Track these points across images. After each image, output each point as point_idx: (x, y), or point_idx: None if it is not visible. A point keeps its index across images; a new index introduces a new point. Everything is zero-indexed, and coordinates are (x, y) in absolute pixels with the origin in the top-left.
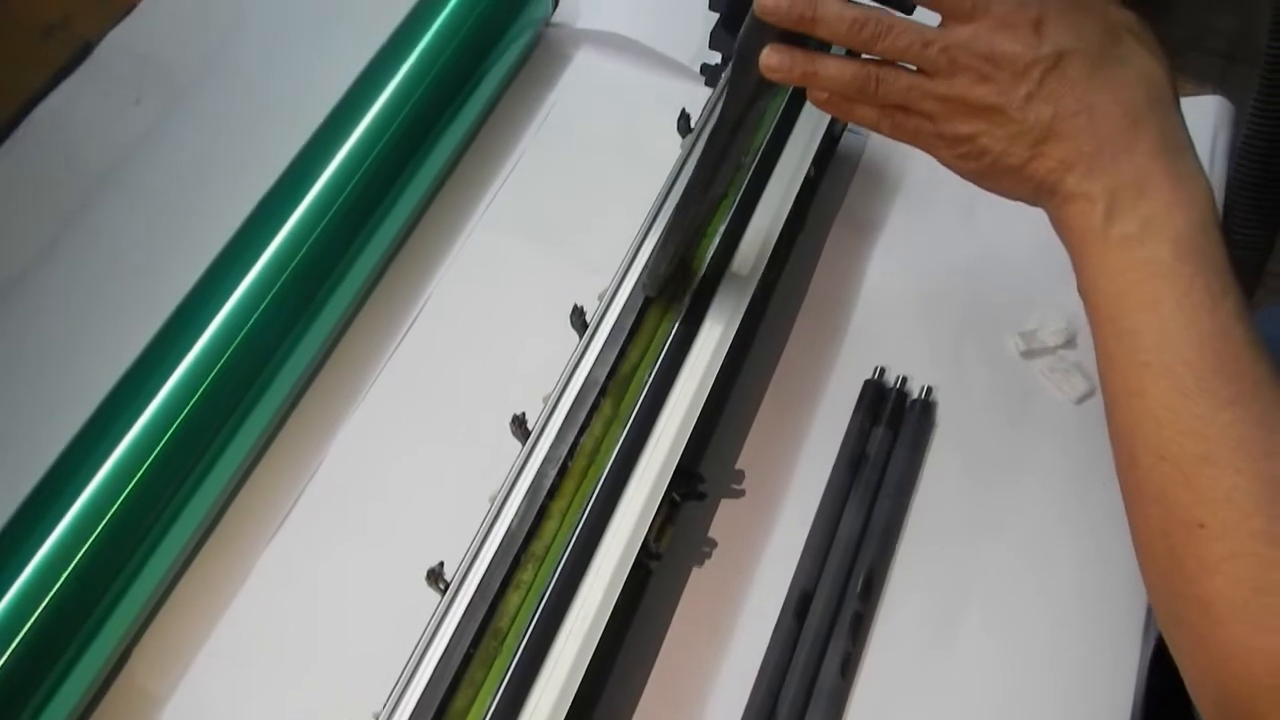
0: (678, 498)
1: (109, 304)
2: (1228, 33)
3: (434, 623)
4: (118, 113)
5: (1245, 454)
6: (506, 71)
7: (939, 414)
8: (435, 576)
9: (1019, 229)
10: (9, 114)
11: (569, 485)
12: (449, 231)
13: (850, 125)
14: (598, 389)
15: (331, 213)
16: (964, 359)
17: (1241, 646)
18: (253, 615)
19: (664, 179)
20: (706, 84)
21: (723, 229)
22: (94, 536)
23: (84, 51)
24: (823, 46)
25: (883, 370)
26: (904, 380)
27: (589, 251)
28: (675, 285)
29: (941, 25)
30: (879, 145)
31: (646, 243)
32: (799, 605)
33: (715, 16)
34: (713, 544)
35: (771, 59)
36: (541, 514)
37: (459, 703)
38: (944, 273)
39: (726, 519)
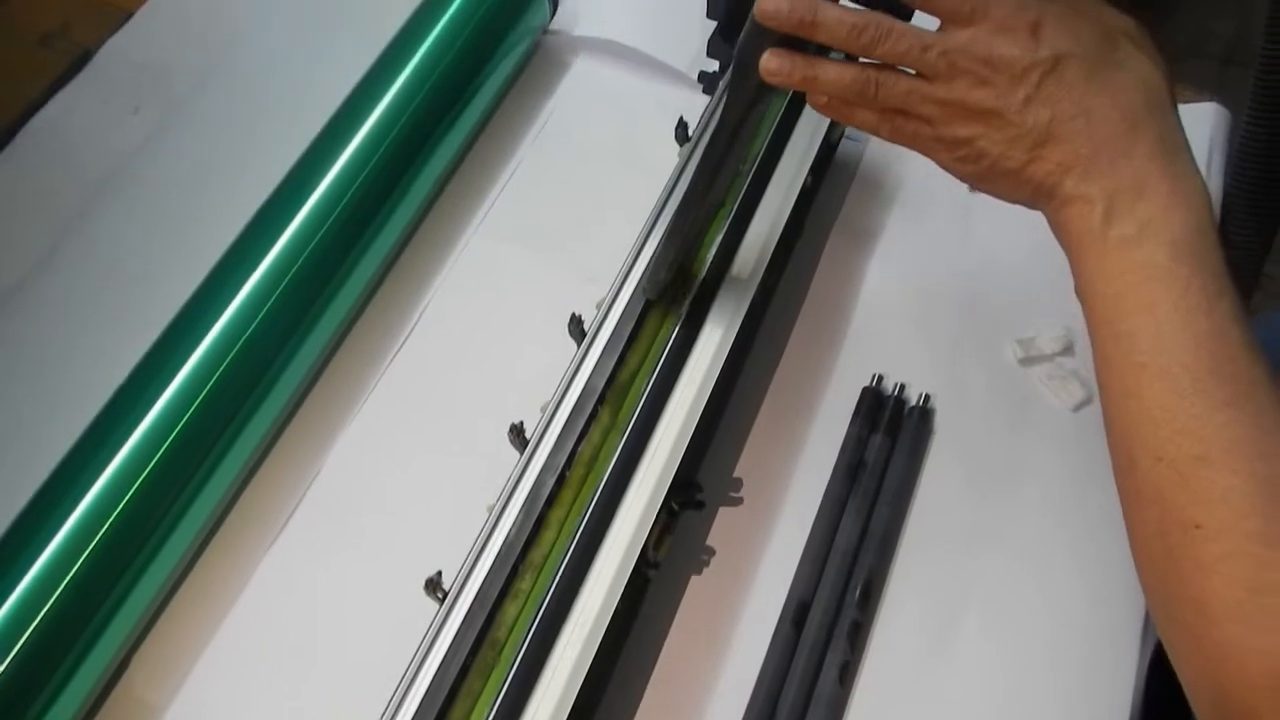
0: (676, 506)
1: (106, 313)
2: (1226, 37)
3: (432, 632)
4: (116, 121)
5: (1241, 455)
6: (504, 79)
7: (937, 421)
8: (433, 586)
9: (1017, 236)
10: (7, 122)
11: (567, 494)
12: (447, 239)
13: (847, 133)
14: (596, 398)
15: (330, 221)
16: (962, 366)
17: (1237, 646)
18: (251, 624)
19: (662, 186)
20: (704, 91)
21: (720, 237)
22: (92, 545)
23: (82, 60)
24: (822, 51)
25: (881, 377)
26: (902, 387)
27: (587, 259)
28: (675, 289)
29: (940, 29)
30: (876, 153)
31: (645, 250)
32: (797, 613)
33: (713, 24)
34: (711, 552)
35: (771, 63)
36: (540, 523)
37: (456, 713)
38: (942, 280)
39: (725, 527)
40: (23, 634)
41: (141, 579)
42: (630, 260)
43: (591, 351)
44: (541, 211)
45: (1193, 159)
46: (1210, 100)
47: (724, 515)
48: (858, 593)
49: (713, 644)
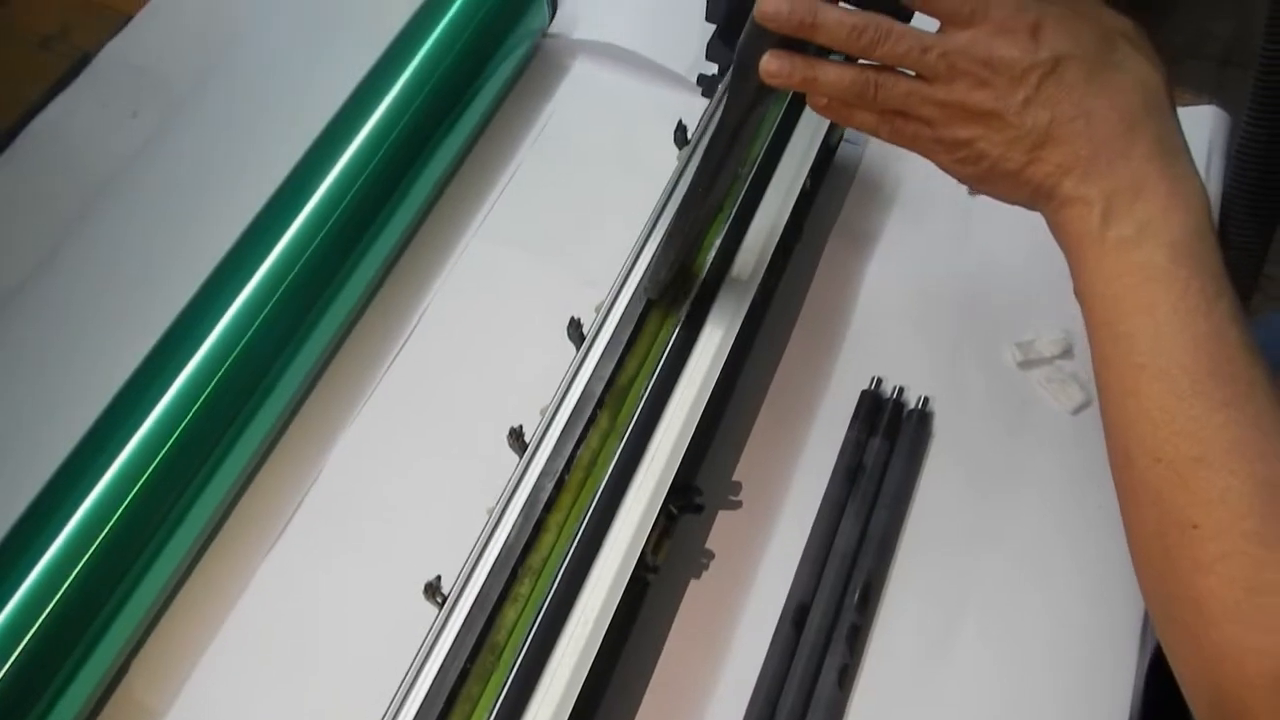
0: (675, 510)
1: (106, 316)
2: (1224, 38)
3: (431, 636)
4: (115, 124)
5: (1239, 456)
6: (504, 82)
7: (936, 424)
8: (432, 590)
9: (1015, 239)
10: (7, 125)
11: (566, 498)
12: (446, 242)
13: (846, 135)
14: (595, 401)
15: (329, 224)
16: (961, 369)
17: (1235, 646)
18: (250, 628)
19: (661, 189)
20: (703, 94)
21: (720, 240)
22: (92, 549)
23: (81, 63)
24: (822, 52)
25: (879, 380)
26: (901, 390)
27: (586, 262)
28: (675, 290)
29: (940, 31)
30: (875, 156)
31: (643, 253)
32: (796, 616)
33: (712, 27)
34: (710, 555)
35: (771, 65)
36: (539, 527)
37: (456, 717)
38: (941, 283)
39: (724, 530)
40: (23, 638)
41: (141, 583)
42: (629, 263)
43: (590, 355)
44: (541, 214)
45: (1191, 160)
46: (1209, 103)
47: (723, 519)
48: (857, 596)
49: (712, 647)
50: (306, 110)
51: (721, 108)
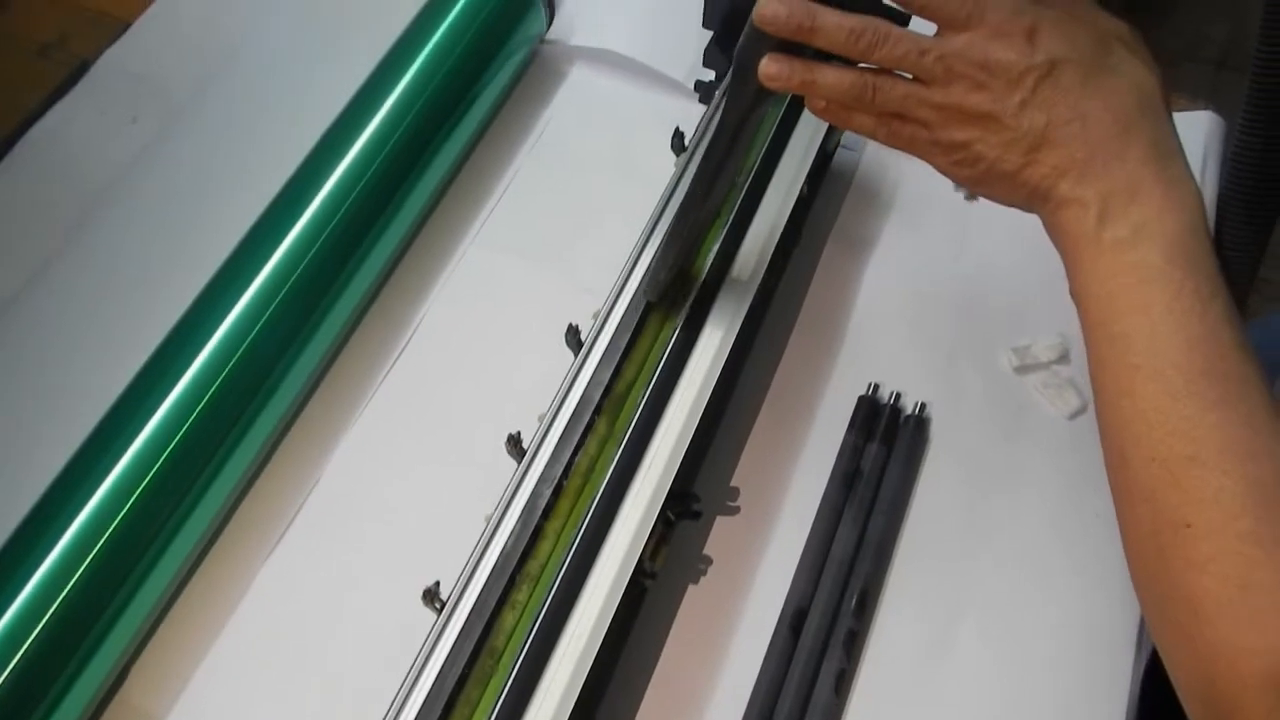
0: (673, 516)
1: (104, 323)
2: (1221, 41)
3: (430, 642)
4: (114, 132)
5: (1232, 455)
6: (501, 88)
7: (933, 429)
8: (431, 596)
9: (1011, 245)
10: (5, 133)
11: (564, 505)
12: (444, 249)
13: (843, 142)
14: (593, 408)
15: (327, 231)
16: (957, 375)
17: (1228, 644)
18: (249, 634)
19: (658, 195)
20: (700, 100)
21: (717, 247)
22: (91, 555)
23: (80, 71)
24: (820, 55)
25: (876, 386)
26: (898, 396)
27: (584, 268)
28: (674, 293)
29: (937, 34)
30: (872, 162)
31: (641, 260)
32: (794, 622)
33: (708, 34)
34: (708, 561)
35: (770, 68)
36: (537, 533)
37: None
38: (937, 289)
39: (721, 536)
40: (23, 643)
41: (140, 589)
42: (627, 270)
43: (588, 361)
44: (538, 221)
45: (1186, 163)
46: (1205, 108)
47: (721, 524)
48: (854, 601)
49: (709, 653)
50: (305, 117)
51: (720, 110)
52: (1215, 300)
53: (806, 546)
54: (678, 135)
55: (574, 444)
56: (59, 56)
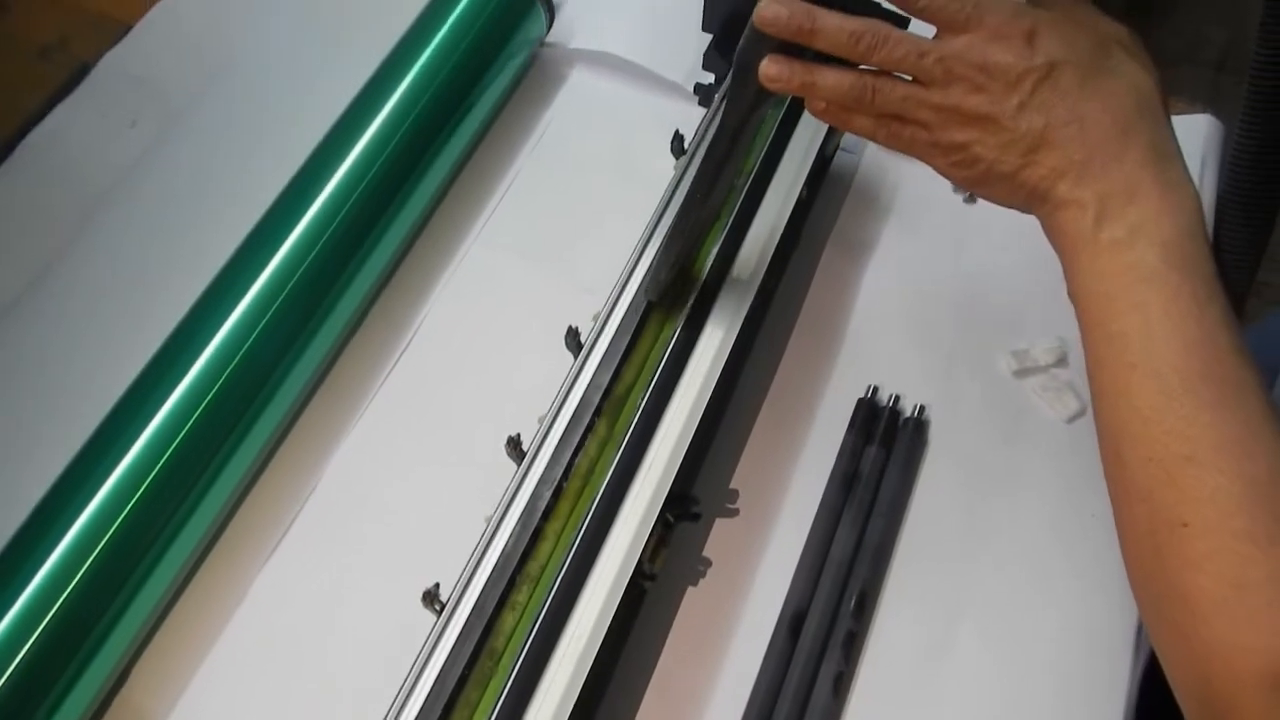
0: (672, 518)
1: (104, 327)
2: (1220, 43)
3: (430, 643)
4: (114, 134)
5: (1228, 455)
6: (502, 91)
7: (931, 432)
8: (431, 597)
9: (1010, 248)
10: (5, 135)
11: (564, 506)
12: (445, 250)
13: (842, 145)
14: (592, 410)
15: (329, 232)
16: (956, 378)
17: (1223, 642)
18: (250, 635)
19: (658, 197)
20: (700, 103)
21: (716, 250)
22: (92, 557)
23: (80, 73)
24: (820, 57)
25: (875, 389)
26: (897, 399)
27: (584, 269)
28: (674, 293)
29: (937, 37)
30: (871, 165)
31: (641, 262)
32: (792, 623)
33: (708, 37)
34: (707, 563)
35: (771, 69)
36: (536, 535)
37: None
38: (936, 292)
39: (721, 538)
40: (24, 644)
41: (141, 590)
42: (627, 272)
43: (588, 363)
44: (539, 222)
45: (1184, 166)
46: (1203, 112)
47: (720, 526)
48: (852, 603)
49: (708, 654)
50: (305, 120)
51: (721, 112)
52: (1212, 303)
53: (805, 548)
54: (677, 138)
55: (574, 446)
56: (59, 59)
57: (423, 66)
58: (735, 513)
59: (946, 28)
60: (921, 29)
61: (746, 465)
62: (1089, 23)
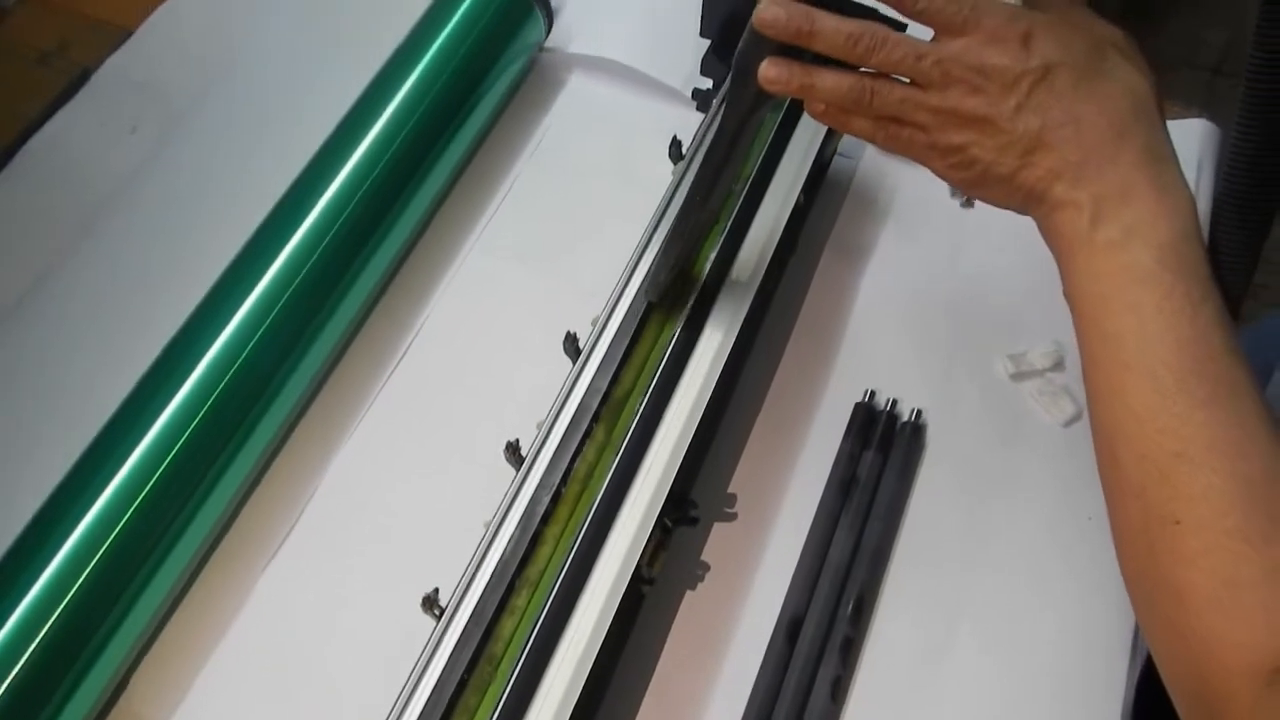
0: (670, 523)
1: (105, 332)
2: (1218, 46)
3: (429, 648)
4: (114, 140)
5: (1220, 453)
6: (501, 96)
7: (929, 436)
8: (430, 602)
9: (1007, 253)
10: (6, 141)
11: (563, 511)
12: (445, 255)
13: (840, 150)
14: (591, 415)
15: (328, 237)
16: (953, 382)
17: (1216, 638)
18: (249, 642)
19: (656, 202)
20: (698, 109)
21: (714, 254)
22: (92, 564)
23: (81, 79)
24: (819, 60)
25: (873, 393)
26: (894, 403)
27: (583, 274)
28: (673, 296)
29: (934, 39)
30: (869, 170)
31: (639, 266)
32: (790, 628)
33: (706, 43)
34: (705, 567)
35: (770, 71)
36: (535, 540)
37: None
38: (933, 296)
39: (719, 542)
40: (24, 652)
41: (141, 597)
42: (625, 276)
43: (587, 369)
44: (538, 227)
45: (1179, 167)
46: (1200, 116)
47: (718, 531)
48: (850, 608)
49: (707, 659)
50: (306, 125)
51: (720, 114)
52: (1206, 304)
53: (803, 553)
54: (675, 144)
55: (572, 451)
56: (60, 64)
57: (422, 71)
58: (733, 517)
59: (944, 30)
60: (920, 32)
61: (745, 470)
62: (1085, 26)
